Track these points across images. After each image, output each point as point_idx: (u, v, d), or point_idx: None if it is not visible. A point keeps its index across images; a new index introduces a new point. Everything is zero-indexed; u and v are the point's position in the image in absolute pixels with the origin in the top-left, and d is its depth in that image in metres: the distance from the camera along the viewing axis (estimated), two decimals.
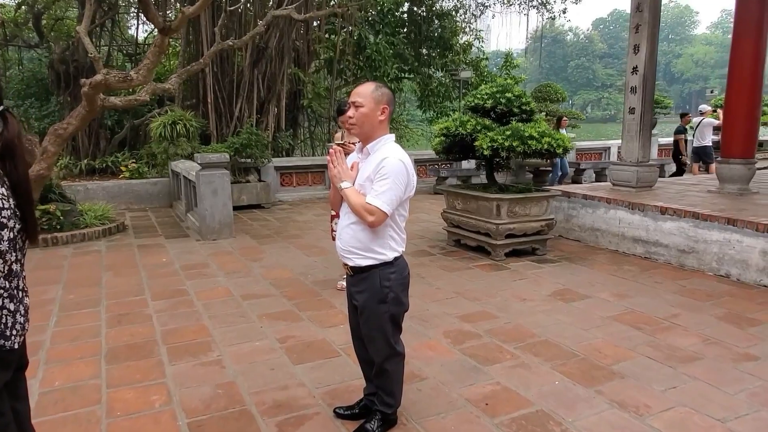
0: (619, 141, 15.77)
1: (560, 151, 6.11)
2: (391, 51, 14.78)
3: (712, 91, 21.59)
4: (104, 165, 11.59)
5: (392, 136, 2.67)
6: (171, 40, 15.10)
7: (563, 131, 11.55)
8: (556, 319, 4.48)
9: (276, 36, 10.94)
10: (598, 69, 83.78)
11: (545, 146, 5.99)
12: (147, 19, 5.82)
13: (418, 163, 12.75)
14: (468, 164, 12.26)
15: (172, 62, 13.92)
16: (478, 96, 6.69)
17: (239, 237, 7.69)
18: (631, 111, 7.44)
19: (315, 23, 13.88)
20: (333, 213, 5.21)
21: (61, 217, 7.29)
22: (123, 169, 10.68)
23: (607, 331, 4.22)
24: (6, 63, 18.04)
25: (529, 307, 4.80)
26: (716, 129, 12.03)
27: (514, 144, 5.96)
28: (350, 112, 2.61)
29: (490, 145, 6.08)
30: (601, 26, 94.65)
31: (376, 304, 2.63)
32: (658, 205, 6.30)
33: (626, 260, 6.34)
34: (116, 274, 5.87)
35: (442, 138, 6.74)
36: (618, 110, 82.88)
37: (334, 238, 5.46)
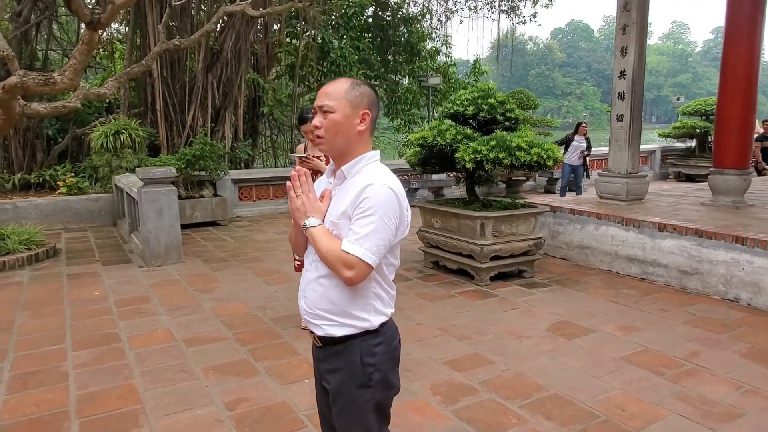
0: (592, 149, 15.46)
1: (550, 162, 5.47)
2: (356, 56, 14.09)
3: (678, 99, 21.69)
4: (41, 179, 10.41)
5: (376, 154, 1.91)
6: (119, 42, 14.03)
7: (580, 139, 10.93)
8: (561, 364, 3.79)
9: (232, 38, 10.06)
10: (558, 77, 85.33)
11: (535, 158, 5.34)
12: (71, 11, 4.93)
13: None
14: (440, 175, 11.61)
15: (118, 66, 12.81)
16: (458, 102, 6.01)
17: (189, 261, 6.77)
18: (619, 118, 6.90)
19: (275, 26, 13.06)
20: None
21: None
22: (60, 184, 9.57)
23: (624, 379, 3.55)
24: None
25: (527, 347, 4.10)
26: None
27: (501, 155, 5.29)
28: (316, 120, 1.84)
29: (473, 156, 5.39)
30: (560, 36, 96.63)
31: (356, 389, 1.86)
32: (655, 221, 5.73)
33: (622, 282, 5.74)
34: (34, 314, 4.90)
35: (418, 149, 6.02)
36: (577, 118, 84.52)
37: (297, 268, 4.66)
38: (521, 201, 6.49)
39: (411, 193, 11.46)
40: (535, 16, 17.12)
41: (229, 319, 4.75)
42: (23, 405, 3.29)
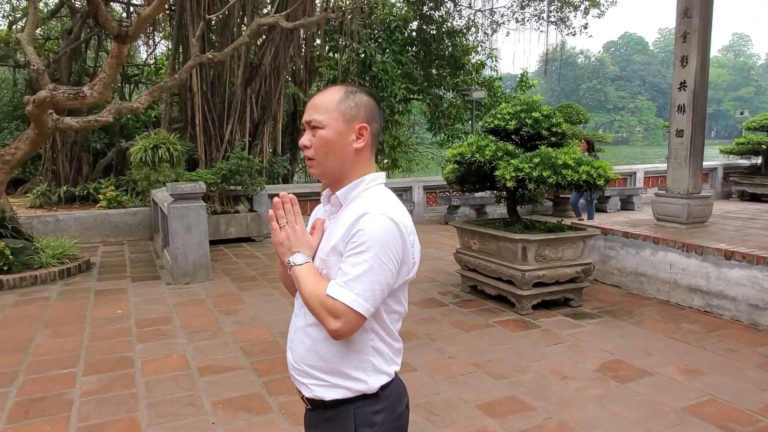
0: (645, 165, 14.64)
1: (602, 182, 4.98)
2: (399, 70, 13.83)
3: (742, 113, 20.39)
4: (85, 192, 10.61)
5: (379, 176, 1.56)
6: (165, 58, 14.27)
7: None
8: (613, 413, 3.30)
9: (271, 52, 9.98)
10: (610, 91, 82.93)
11: (583, 176, 4.86)
12: (99, 25, 4.85)
13: (427, 190, 11.66)
14: (483, 191, 11.14)
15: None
16: (499, 116, 5.60)
17: (218, 279, 6.57)
18: (679, 134, 6.30)
19: (317, 41, 12.99)
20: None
21: (11, 257, 6.23)
22: (101, 197, 9.67)
23: None
24: None
25: (573, 390, 3.62)
26: None
27: (545, 174, 4.84)
28: (304, 138, 1.51)
29: (514, 175, 4.96)
30: (612, 49, 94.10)
31: None
32: (720, 247, 5.12)
33: (683, 315, 5.14)
34: (54, 333, 4.77)
35: (455, 166, 5.64)
36: (630, 132, 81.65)
37: None
38: (568, 222, 5.99)
39: (451, 210, 11.04)
40: (585, 27, 16.46)
41: (248, 345, 4.47)
42: None
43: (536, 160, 4.96)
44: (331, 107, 1.48)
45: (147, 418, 3.29)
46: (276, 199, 1.53)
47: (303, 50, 11.93)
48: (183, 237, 6.26)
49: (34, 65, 4.98)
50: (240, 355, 4.26)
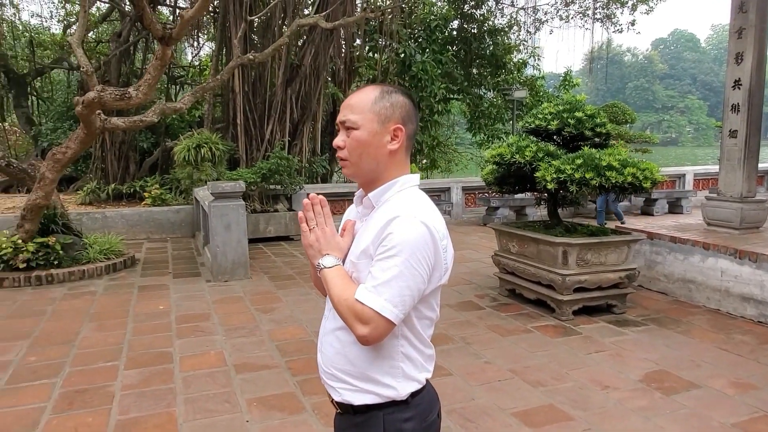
0: (695, 167, 14.07)
1: (648, 184, 4.78)
2: (438, 70, 13.73)
3: None
4: (132, 190, 10.94)
5: (413, 178, 1.52)
6: (210, 60, 14.54)
7: None
8: (657, 427, 3.16)
9: (311, 52, 10.06)
10: (659, 90, 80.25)
11: (628, 179, 4.68)
12: (144, 27, 4.99)
13: (466, 190, 11.53)
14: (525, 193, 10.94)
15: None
16: (540, 116, 5.47)
17: (256, 278, 6.66)
18: (732, 134, 6.01)
19: (357, 41, 13.04)
20: None
21: (61, 252, 6.48)
22: (146, 195, 9.96)
23: None
24: (53, 85, 18.16)
25: (615, 401, 3.48)
26: None
27: (588, 176, 4.69)
28: (338, 139, 1.49)
29: (555, 176, 4.83)
30: (662, 46, 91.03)
31: None
32: None
33: (735, 325, 4.89)
34: (99, 327, 4.92)
35: (494, 167, 5.54)
36: (680, 133, 78.74)
37: None
38: (612, 226, 5.79)
39: (490, 212, 10.88)
40: (633, 24, 15.94)
41: (284, 344, 4.50)
42: (62, 428, 3.17)
43: (579, 161, 4.82)
44: (366, 107, 1.45)
45: (184, 413, 3.35)
46: (306, 200, 1.51)
47: (343, 50, 11.98)
48: (222, 235, 6.37)
49: (83, 67, 5.16)
50: (275, 354, 4.29)
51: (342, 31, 10.86)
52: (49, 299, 5.74)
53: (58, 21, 17.74)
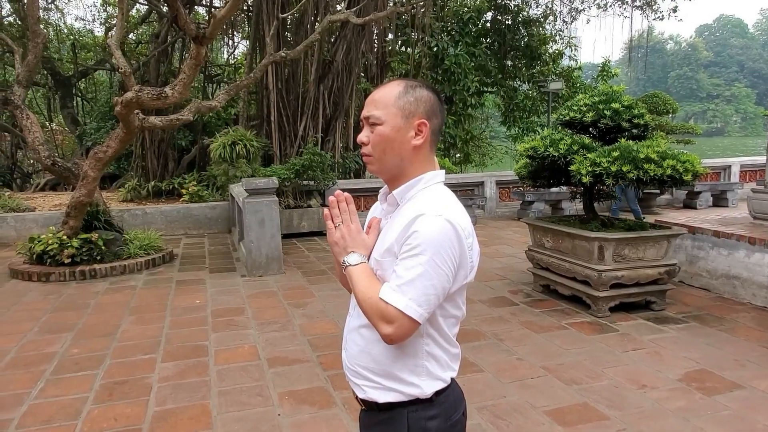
0: (742, 158, 13.52)
1: (688, 177, 4.62)
2: (472, 63, 13.58)
3: None
4: (171, 187, 11.23)
5: (438, 174, 1.50)
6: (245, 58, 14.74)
7: None
8: (697, 428, 3.05)
9: (343, 48, 10.10)
10: (703, 79, 77.44)
11: (668, 171, 4.53)
12: (179, 27, 5.09)
13: (500, 184, 11.38)
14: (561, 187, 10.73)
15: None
16: (575, 108, 5.34)
17: (289, 272, 6.74)
18: None
19: (390, 36, 13.01)
20: None
21: (103, 247, 6.70)
22: (183, 192, 10.20)
23: None
24: (97, 86, 18.76)
25: (652, 401, 3.38)
26: None
27: (624, 169, 4.56)
28: (362, 135, 1.48)
29: (590, 170, 4.71)
30: (706, 33, 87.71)
31: None
32: None
33: None
34: (138, 320, 5.07)
35: (527, 161, 5.44)
36: (726, 122, 75.75)
37: None
38: (651, 221, 5.62)
39: (525, 206, 10.71)
40: (675, 11, 15.37)
41: (316, 338, 4.54)
42: (103, 418, 3.28)
43: (615, 153, 4.68)
44: (389, 102, 1.44)
45: (217, 405, 3.42)
46: (331, 198, 1.52)
47: (375, 45, 11.97)
48: (256, 230, 6.47)
49: (121, 68, 5.32)
50: (307, 348, 4.33)
51: (374, 26, 10.84)
52: (92, 293, 5.95)
53: (100, 24, 18.32)
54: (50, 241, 6.39)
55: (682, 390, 3.52)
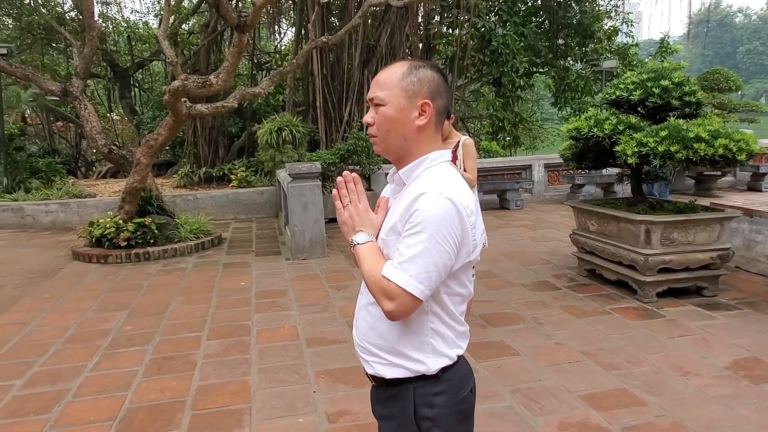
0: None
1: (742, 157, 4.37)
2: (521, 43, 13.19)
3: None
4: (221, 173, 11.59)
5: (444, 155, 1.50)
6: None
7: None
8: (739, 416, 2.93)
9: (387, 32, 10.06)
10: None
11: (720, 151, 4.30)
12: (220, 16, 5.22)
13: (549, 168, 11.12)
14: (611, 168, 10.37)
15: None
16: (622, 86, 5.14)
17: (332, 256, 6.86)
18: None
19: (436, 18, 12.82)
20: None
21: (156, 231, 7.02)
22: (232, 177, 10.51)
23: None
24: (152, 77, 19.49)
25: (694, 388, 3.27)
26: None
27: (673, 149, 4.36)
28: (368, 116, 1.51)
29: (636, 150, 4.53)
30: None
31: None
32: None
33: None
34: (187, 300, 5.30)
35: (572, 142, 5.29)
36: None
37: None
38: (703, 202, 5.36)
39: (575, 189, 10.42)
40: None
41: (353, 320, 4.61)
42: (151, 390, 3.48)
43: (663, 133, 4.48)
44: (393, 83, 1.45)
45: (257, 381, 3.55)
46: (339, 178, 1.54)
47: (420, 28, 11.85)
48: (300, 215, 6.60)
49: (168, 57, 5.52)
50: (345, 330, 4.41)
51: (419, 8, 10.73)
52: (146, 274, 6.26)
53: (155, 15, 18.94)
54: (108, 225, 6.75)
55: (728, 378, 3.38)
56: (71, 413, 3.23)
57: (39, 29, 15.03)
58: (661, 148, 4.40)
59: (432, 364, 1.46)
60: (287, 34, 17.02)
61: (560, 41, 15.15)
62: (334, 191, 1.55)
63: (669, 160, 4.44)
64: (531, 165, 10.93)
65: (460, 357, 1.52)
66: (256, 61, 15.71)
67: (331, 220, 8.55)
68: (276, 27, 15.46)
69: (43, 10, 14.47)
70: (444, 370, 1.47)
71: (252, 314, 4.85)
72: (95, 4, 15.64)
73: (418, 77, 1.45)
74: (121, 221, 6.80)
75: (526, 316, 4.58)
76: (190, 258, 6.96)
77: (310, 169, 6.62)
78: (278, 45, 18.30)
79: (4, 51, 9.32)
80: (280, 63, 15.27)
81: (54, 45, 16.21)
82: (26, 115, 17.19)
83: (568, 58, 15.30)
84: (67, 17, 15.35)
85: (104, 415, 3.19)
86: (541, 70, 15.48)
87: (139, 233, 6.89)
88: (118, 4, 18.13)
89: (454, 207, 1.35)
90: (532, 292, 5.21)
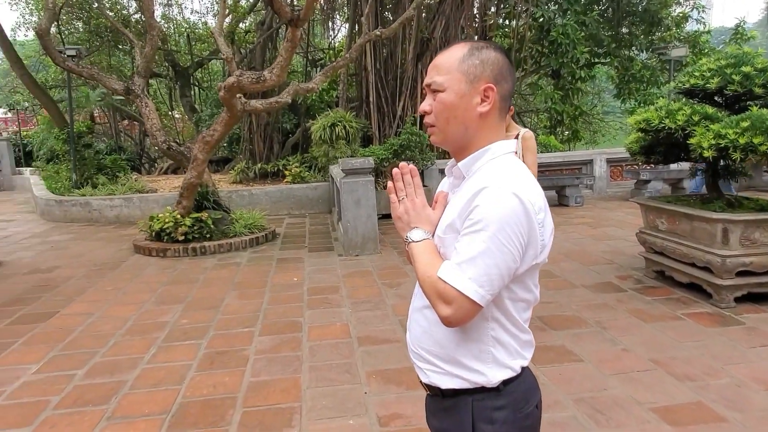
0: None
1: None
2: (581, 33, 12.65)
3: None
4: (275, 169, 11.73)
5: (508, 145, 1.35)
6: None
7: None
8: None
9: (441, 24, 9.85)
10: None
11: None
12: (274, 11, 5.21)
13: (611, 162, 10.62)
14: (682, 163, 9.76)
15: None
16: (697, 74, 4.76)
17: (385, 253, 6.77)
18: None
19: (492, 9, 12.49)
20: None
21: (212, 226, 7.14)
22: (286, 173, 10.61)
23: None
24: (211, 75, 20.02)
25: None
26: None
27: (756, 141, 3.99)
28: (425, 104, 1.37)
29: (713, 143, 4.18)
30: None
31: None
32: None
33: None
34: (240, 295, 5.34)
35: (640, 134, 4.96)
36: None
37: None
38: None
39: (640, 185, 9.90)
40: None
41: (406, 319, 4.49)
42: (203, 385, 3.48)
43: (745, 124, 4.11)
44: (452, 67, 1.31)
45: (307, 380, 3.49)
46: (395, 170, 1.42)
47: (476, 20, 11.56)
48: (353, 210, 6.54)
49: (223, 54, 5.58)
50: (398, 329, 4.30)
51: (475, 0, 10.47)
52: (202, 268, 6.37)
53: (213, 15, 19.43)
54: (167, 220, 6.92)
55: None
56: (127, 405, 3.27)
57: (106, 32, 15.71)
58: (742, 140, 4.03)
59: (492, 376, 1.31)
60: (341, 31, 17.05)
61: (624, 30, 14.45)
62: (389, 184, 1.43)
63: (751, 153, 4.06)
64: (592, 160, 10.47)
65: (524, 368, 1.37)
66: (310, 58, 15.82)
67: (384, 216, 8.46)
68: (330, 23, 15.52)
69: (109, 14, 15.10)
70: (506, 382, 1.33)
71: (304, 311, 4.82)
72: (157, 6, 16.21)
73: (480, 59, 1.30)
74: (179, 216, 6.95)
75: (589, 319, 4.32)
76: (245, 253, 7.04)
77: (363, 164, 6.55)
78: (332, 41, 18.39)
79: (73, 52, 9.76)
80: (333, 59, 15.32)
81: (120, 47, 16.91)
82: (95, 114, 18.02)
83: (633, 48, 14.58)
84: (132, 20, 15.96)
85: (158, 409, 3.21)
86: (603, 60, 14.84)
87: (196, 228, 7.02)
88: (179, 6, 18.68)
89: (521, 203, 1.20)
90: (595, 293, 4.93)
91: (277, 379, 3.53)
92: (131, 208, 9.73)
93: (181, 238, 6.89)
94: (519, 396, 1.35)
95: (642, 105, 14.68)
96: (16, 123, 23.46)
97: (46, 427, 3.06)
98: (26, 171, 16.44)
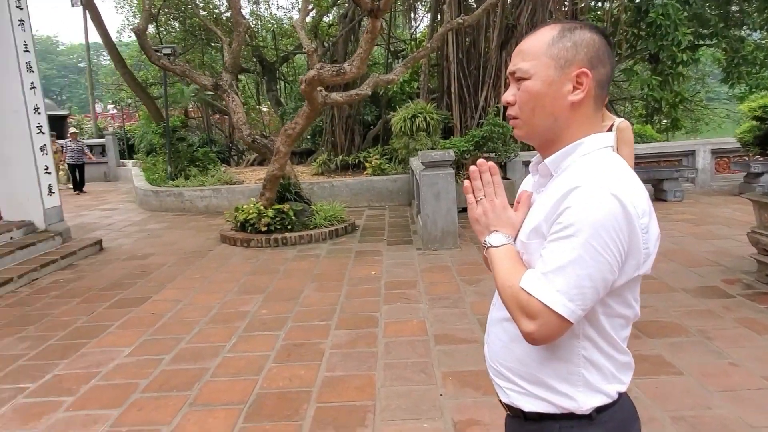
0: None
1: None
2: (684, 12, 11.66)
3: None
4: (356, 161, 11.80)
5: (606, 138, 1.16)
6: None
7: None
8: None
9: (528, 10, 9.40)
10: None
11: None
12: (354, 2, 5.15)
13: (716, 154, 9.71)
14: None
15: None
16: None
17: (465, 248, 6.58)
18: None
19: None
20: None
21: (293, 217, 7.27)
22: (367, 165, 10.63)
23: None
24: (296, 69, 20.51)
25: None
26: None
27: None
28: (508, 94, 1.21)
29: None
30: None
31: None
32: None
33: None
34: (319, 287, 5.37)
35: (754, 123, 4.44)
36: None
37: None
38: None
39: (751, 179, 8.96)
40: None
41: (485, 318, 4.29)
42: (279, 377, 3.51)
43: None
44: (540, 51, 1.15)
45: (382, 378, 3.42)
46: (473, 167, 1.27)
47: (566, 3, 10.96)
48: (432, 204, 6.40)
49: (305, 47, 5.61)
50: (476, 328, 4.13)
51: None
52: (283, 259, 6.49)
53: (298, 10, 19.84)
54: (251, 211, 7.13)
55: None
56: (208, 393, 3.35)
57: (200, 30, 16.50)
58: None
59: (583, 401, 1.14)
60: (423, 21, 16.86)
61: (734, 7, 13.16)
62: (466, 183, 1.28)
63: None
64: (694, 151, 9.62)
65: (621, 394, 1.18)
66: (391, 49, 15.76)
67: (464, 210, 8.25)
68: (412, 13, 15.36)
69: (202, 12, 15.84)
70: (599, 410, 1.15)
71: (380, 305, 4.76)
72: (245, 3, 16.78)
73: (572, 41, 1.13)
74: (262, 207, 7.14)
75: (690, 327, 3.93)
76: (324, 245, 7.11)
77: (443, 156, 6.38)
78: (414, 32, 18.23)
79: (169, 51, 10.30)
80: (415, 50, 15.17)
81: (212, 44, 17.70)
82: (189, 109, 19.03)
83: (744, 27, 13.26)
84: (223, 17, 16.64)
85: (236, 398, 3.26)
86: (708, 42, 13.62)
87: (278, 219, 7.18)
88: (267, 2, 19.26)
89: (620, 206, 1.02)
90: (697, 298, 4.49)
91: (351, 375, 3.49)
92: (219, 199, 10.16)
93: (264, 228, 7.07)
94: (615, 426, 1.17)
95: (754, 90, 13.36)
96: (121, 118, 25.37)
97: (135, 409, 3.20)
98: (129, 163, 17.69)
